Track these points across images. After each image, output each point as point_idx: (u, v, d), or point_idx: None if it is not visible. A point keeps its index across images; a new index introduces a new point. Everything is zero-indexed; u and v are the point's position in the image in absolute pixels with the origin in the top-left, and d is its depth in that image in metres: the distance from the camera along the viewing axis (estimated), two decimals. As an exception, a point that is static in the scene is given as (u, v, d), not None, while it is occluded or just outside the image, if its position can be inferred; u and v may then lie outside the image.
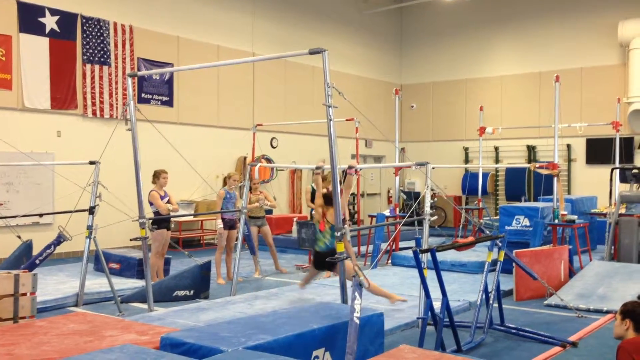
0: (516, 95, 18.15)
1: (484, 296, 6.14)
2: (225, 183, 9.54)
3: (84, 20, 12.05)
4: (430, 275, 5.58)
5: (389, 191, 19.42)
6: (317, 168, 7.79)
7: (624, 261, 9.55)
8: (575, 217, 9.92)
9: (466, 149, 18.93)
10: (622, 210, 10.55)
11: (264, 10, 15.74)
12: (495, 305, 6.32)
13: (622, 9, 16.20)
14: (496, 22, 18.53)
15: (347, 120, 11.24)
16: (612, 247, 9.95)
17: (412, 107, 19.90)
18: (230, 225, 9.28)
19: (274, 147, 15.91)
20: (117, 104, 12.48)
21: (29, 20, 11.27)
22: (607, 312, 7.11)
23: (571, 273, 8.86)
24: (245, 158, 14.62)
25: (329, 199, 6.90)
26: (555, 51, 17.39)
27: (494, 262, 6.40)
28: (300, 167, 10.31)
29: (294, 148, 16.14)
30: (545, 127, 13.69)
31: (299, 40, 16.19)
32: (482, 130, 13.95)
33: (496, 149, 18.30)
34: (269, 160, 15.25)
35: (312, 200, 10.59)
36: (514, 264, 7.62)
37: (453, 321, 5.58)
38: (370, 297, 6.98)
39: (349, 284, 5.21)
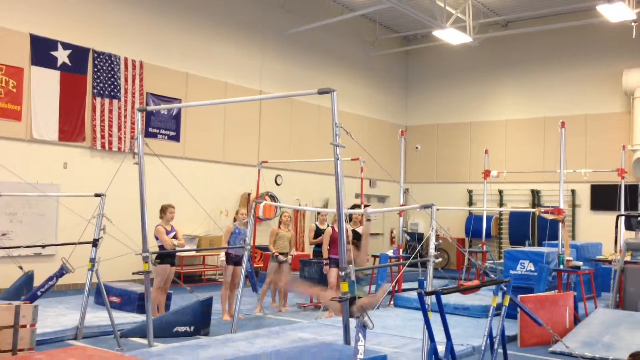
0: (521, 140, 18.24)
1: (488, 341, 6.04)
2: (235, 219, 9.57)
3: (96, 55, 12.22)
4: (433, 318, 5.51)
5: (392, 231, 19.37)
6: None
7: (629, 309, 9.46)
8: (580, 263, 9.85)
9: (470, 192, 18.94)
10: (628, 258, 10.48)
11: (273, 49, 15.96)
12: (500, 350, 6.21)
13: (627, 58, 16.40)
14: (502, 67, 18.74)
15: (352, 159, 11.29)
16: (618, 295, 9.86)
17: (417, 148, 19.99)
18: (235, 261, 9.21)
19: (278, 184, 15.94)
20: (125, 137, 12.56)
21: (41, 53, 11.43)
22: (613, 361, 7.01)
23: (576, 320, 8.75)
24: (249, 194, 14.64)
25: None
26: (560, 97, 17.55)
27: (499, 307, 6.32)
28: (306, 208, 10.30)
29: (298, 186, 16.17)
30: (550, 172, 13.72)
31: (305, 80, 16.39)
32: (486, 173, 13.98)
33: (500, 192, 18.30)
34: (273, 197, 15.26)
35: (315, 238, 10.58)
36: (518, 309, 7.54)
37: (457, 366, 5.49)
38: (372, 339, 6.89)
39: (352, 324, 5.15)
